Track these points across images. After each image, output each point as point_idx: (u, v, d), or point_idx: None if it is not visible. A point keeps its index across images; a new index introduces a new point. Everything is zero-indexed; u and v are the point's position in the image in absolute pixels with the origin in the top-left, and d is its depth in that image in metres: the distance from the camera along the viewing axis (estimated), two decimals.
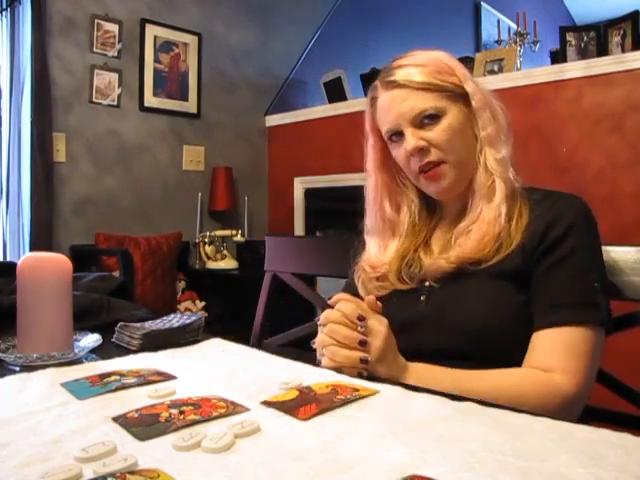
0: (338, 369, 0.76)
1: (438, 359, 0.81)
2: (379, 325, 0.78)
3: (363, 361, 0.75)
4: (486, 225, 0.87)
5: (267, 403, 0.63)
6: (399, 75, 0.90)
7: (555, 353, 0.79)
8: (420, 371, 0.79)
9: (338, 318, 0.77)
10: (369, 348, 0.75)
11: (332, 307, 0.79)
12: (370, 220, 1.01)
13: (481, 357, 0.82)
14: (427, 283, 0.91)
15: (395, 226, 0.99)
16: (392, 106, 0.90)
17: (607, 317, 0.81)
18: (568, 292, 0.82)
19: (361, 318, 0.76)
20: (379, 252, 0.98)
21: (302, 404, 0.62)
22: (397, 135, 0.91)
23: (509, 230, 0.86)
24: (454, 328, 0.85)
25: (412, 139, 0.88)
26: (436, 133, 0.88)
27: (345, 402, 0.63)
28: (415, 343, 0.84)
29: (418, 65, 0.90)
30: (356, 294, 0.95)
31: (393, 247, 0.98)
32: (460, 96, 0.89)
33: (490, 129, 0.90)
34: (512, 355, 0.82)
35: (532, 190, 0.91)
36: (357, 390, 0.66)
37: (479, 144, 0.90)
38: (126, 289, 1.26)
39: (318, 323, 0.81)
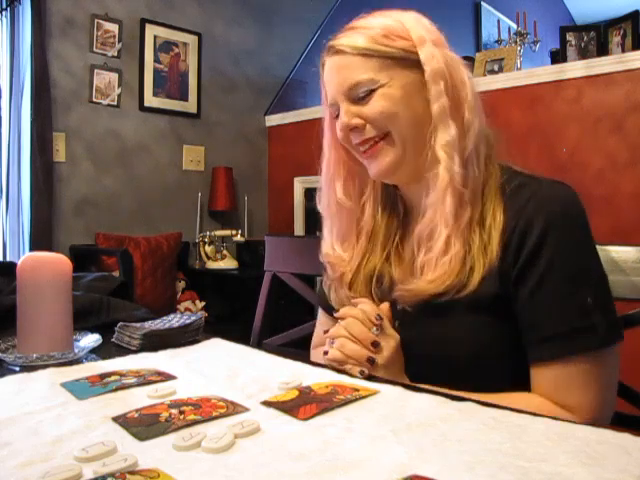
0: (342, 362, 0.75)
1: (440, 364, 0.79)
2: (393, 337, 0.77)
3: (370, 361, 0.74)
4: (446, 233, 0.76)
5: (267, 403, 0.63)
6: (342, 40, 0.80)
7: (562, 389, 0.72)
8: None
9: (358, 314, 0.76)
10: (380, 351, 0.75)
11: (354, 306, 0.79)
12: (323, 203, 0.92)
13: (456, 388, 0.71)
14: (399, 306, 0.82)
15: (349, 214, 0.89)
16: (330, 76, 0.82)
17: (608, 333, 0.72)
18: (556, 320, 0.72)
19: (379, 318, 0.76)
20: (333, 241, 0.91)
21: (302, 404, 0.62)
22: (337, 110, 0.82)
23: (482, 244, 0.76)
24: (430, 362, 0.78)
25: (345, 116, 0.79)
26: (372, 107, 0.77)
27: (345, 402, 0.63)
28: (416, 346, 0.82)
29: (365, 27, 0.80)
30: (329, 306, 0.93)
31: (352, 243, 0.89)
32: (413, 63, 0.77)
33: (442, 102, 0.76)
34: (492, 386, 0.74)
35: (510, 175, 0.79)
36: (357, 390, 0.66)
37: (433, 123, 0.77)
38: (126, 289, 1.25)
39: (336, 316, 0.79)
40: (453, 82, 0.78)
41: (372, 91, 0.78)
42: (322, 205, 0.93)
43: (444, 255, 0.76)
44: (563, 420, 0.58)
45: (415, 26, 0.80)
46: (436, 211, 0.77)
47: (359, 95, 0.79)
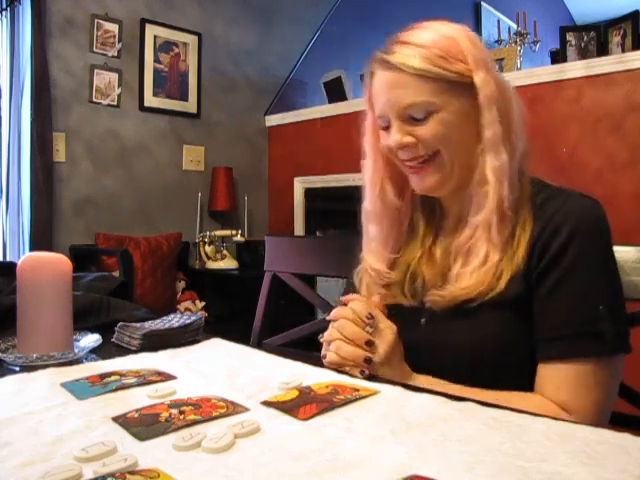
0: (341, 365, 0.76)
1: (440, 374, 0.80)
2: (389, 330, 0.78)
3: (367, 360, 0.74)
4: (486, 247, 0.78)
5: (267, 403, 0.63)
6: (396, 56, 0.79)
7: (563, 388, 0.73)
8: (423, 382, 0.77)
9: (349, 315, 0.77)
10: (375, 349, 0.75)
11: (345, 305, 0.79)
12: (369, 204, 0.91)
13: (478, 386, 0.76)
14: (428, 304, 0.84)
15: (397, 216, 0.90)
16: (383, 90, 0.81)
17: (615, 343, 0.73)
18: (567, 321, 0.74)
19: (370, 317, 0.76)
20: (381, 249, 0.91)
21: (302, 404, 0.62)
22: (387, 127, 0.83)
23: (512, 251, 0.78)
24: (453, 360, 0.80)
25: (397, 134, 0.80)
26: (427, 130, 0.79)
27: (345, 402, 0.63)
28: (411, 365, 0.82)
29: (420, 45, 0.78)
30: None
31: (394, 242, 0.91)
32: (466, 87, 0.78)
33: (495, 129, 0.78)
34: (512, 383, 0.76)
35: (539, 187, 0.82)
36: (357, 390, 0.66)
37: (482, 144, 0.79)
38: (126, 289, 1.25)
39: (327, 318, 0.80)
40: (505, 107, 0.80)
41: (427, 114, 0.78)
42: (366, 206, 0.93)
43: (481, 267, 0.78)
44: (563, 420, 0.58)
45: (470, 47, 0.79)
46: (479, 229, 0.80)
47: (413, 116, 0.79)
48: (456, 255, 0.83)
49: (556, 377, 0.74)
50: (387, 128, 0.83)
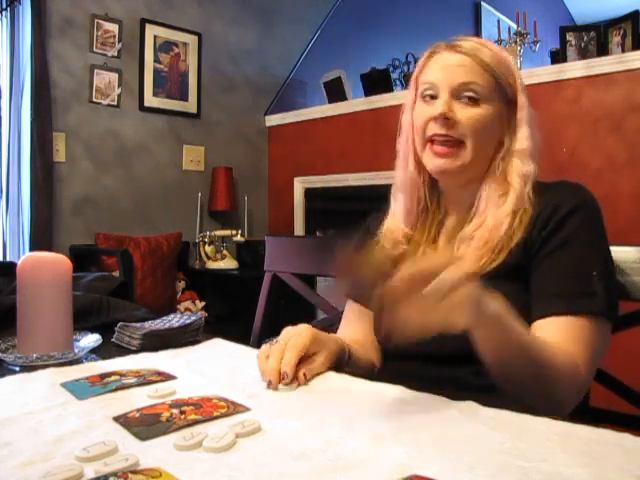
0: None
1: (441, 363, 0.81)
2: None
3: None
4: (488, 234, 0.84)
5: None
6: (468, 44, 0.87)
7: (562, 342, 0.76)
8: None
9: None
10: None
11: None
12: (401, 175, 0.96)
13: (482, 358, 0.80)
14: None
15: (416, 192, 0.94)
16: (445, 66, 0.87)
17: (606, 307, 0.79)
18: (563, 281, 0.80)
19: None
20: (402, 217, 0.95)
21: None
22: (432, 97, 0.87)
23: (511, 230, 0.84)
24: (460, 337, 0.82)
25: (444, 105, 0.84)
26: (469, 115, 0.85)
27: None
28: (418, 345, 0.83)
29: (489, 49, 0.88)
30: (362, 295, 0.94)
31: (411, 224, 0.94)
32: (507, 101, 0.88)
33: (527, 144, 0.88)
34: None
35: (538, 186, 0.89)
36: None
37: (502, 152, 0.88)
38: (126, 289, 1.26)
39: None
40: (534, 129, 0.90)
41: (477, 101, 0.85)
42: (398, 176, 0.97)
43: (482, 249, 0.84)
44: (563, 420, 0.58)
45: (518, 73, 0.91)
46: (491, 221, 0.85)
47: (463, 94, 0.85)
48: (460, 242, 0.88)
49: (556, 332, 0.78)
50: (431, 98, 0.88)
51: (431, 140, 0.87)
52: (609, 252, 0.85)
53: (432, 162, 0.88)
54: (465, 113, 0.85)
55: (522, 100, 0.89)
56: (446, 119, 0.84)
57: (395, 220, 0.97)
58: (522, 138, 0.88)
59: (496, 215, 0.85)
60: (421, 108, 0.89)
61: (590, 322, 0.78)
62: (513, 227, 0.84)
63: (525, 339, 0.72)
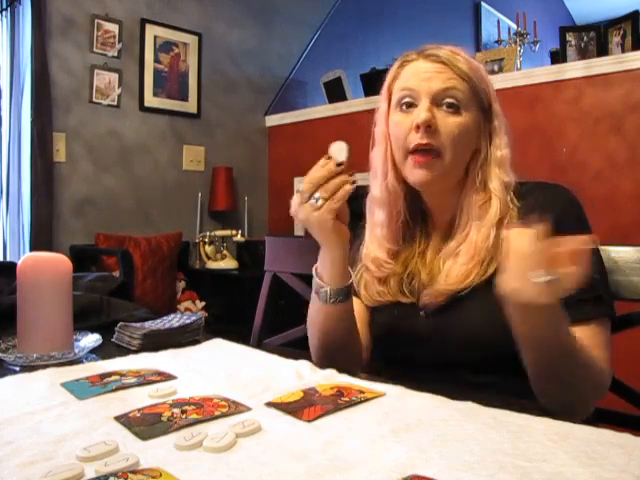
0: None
1: (441, 370, 0.82)
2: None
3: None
4: (474, 248, 0.83)
5: (271, 404, 0.63)
6: (443, 54, 0.85)
7: (593, 345, 0.76)
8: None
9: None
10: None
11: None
12: (377, 190, 0.93)
13: (484, 368, 0.81)
14: (423, 301, 0.87)
15: (396, 206, 0.92)
16: (423, 74, 0.85)
17: (611, 307, 0.81)
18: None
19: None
20: (382, 239, 0.92)
21: (306, 406, 0.62)
22: (409, 105, 0.86)
23: (497, 243, 0.82)
24: (456, 346, 0.84)
25: (427, 112, 0.82)
26: (450, 124, 0.83)
27: (349, 404, 0.63)
28: (417, 355, 0.86)
29: (463, 57, 0.87)
30: (356, 295, 0.94)
31: (395, 236, 0.92)
32: (483, 109, 0.87)
33: (505, 152, 0.88)
34: (513, 362, 0.76)
35: (516, 183, 0.88)
36: (362, 392, 0.66)
37: (480, 161, 0.87)
38: (126, 289, 1.26)
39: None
40: (508, 136, 0.89)
41: (457, 109, 0.84)
42: (373, 192, 0.94)
43: (469, 263, 0.83)
44: (563, 420, 0.58)
45: (491, 81, 0.90)
46: (474, 234, 0.84)
47: (444, 101, 0.84)
48: (446, 258, 0.87)
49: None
50: (408, 106, 0.86)
51: (412, 151, 0.85)
52: (598, 251, 0.85)
53: (413, 174, 0.86)
54: (446, 122, 0.83)
55: (497, 108, 0.89)
56: (428, 127, 0.82)
57: (376, 239, 0.94)
58: (500, 146, 0.88)
59: (479, 227, 0.85)
60: (399, 117, 0.87)
61: (600, 326, 0.79)
62: (500, 236, 0.81)
63: (573, 336, 0.73)
